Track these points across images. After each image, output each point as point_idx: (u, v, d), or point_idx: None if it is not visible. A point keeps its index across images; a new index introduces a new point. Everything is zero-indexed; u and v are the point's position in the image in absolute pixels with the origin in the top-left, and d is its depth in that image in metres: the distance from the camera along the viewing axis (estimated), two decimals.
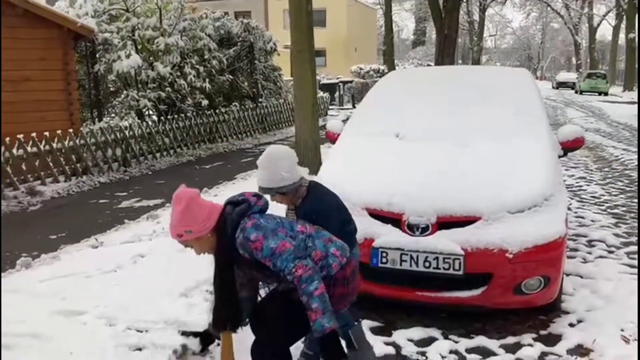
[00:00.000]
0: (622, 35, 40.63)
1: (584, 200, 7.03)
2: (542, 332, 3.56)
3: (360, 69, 32.77)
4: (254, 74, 15.45)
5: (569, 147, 4.49)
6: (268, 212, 2.60)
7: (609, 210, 6.52)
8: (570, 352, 3.32)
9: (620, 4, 38.34)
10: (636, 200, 6.92)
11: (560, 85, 43.13)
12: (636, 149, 11.17)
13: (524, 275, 3.38)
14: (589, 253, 4.99)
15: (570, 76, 44.91)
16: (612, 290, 4.06)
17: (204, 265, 4.49)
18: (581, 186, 7.86)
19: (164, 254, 4.87)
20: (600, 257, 4.90)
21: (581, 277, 4.38)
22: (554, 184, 3.74)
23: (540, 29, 70.50)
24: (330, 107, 21.44)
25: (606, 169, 9.16)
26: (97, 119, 11.56)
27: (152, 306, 3.63)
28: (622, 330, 3.49)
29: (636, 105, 23.09)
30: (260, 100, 15.63)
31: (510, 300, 3.49)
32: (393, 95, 5.10)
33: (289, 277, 2.34)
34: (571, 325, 3.64)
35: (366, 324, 3.63)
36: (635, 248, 5.09)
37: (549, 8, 53.84)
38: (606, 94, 33.38)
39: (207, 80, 12.44)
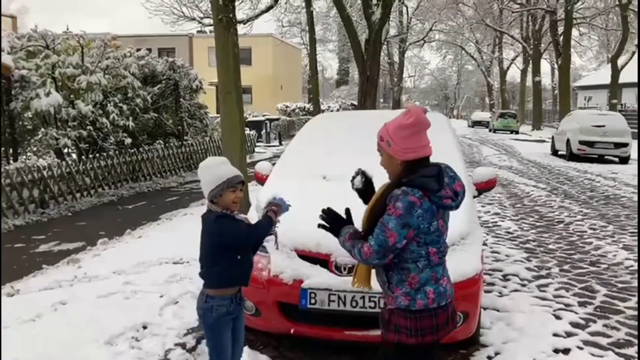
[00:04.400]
0: (529, 78, 43.61)
1: (499, 235, 7.45)
2: None
3: (287, 106, 33.35)
4: (179, 111, 15.36)
5: (482, 188, 4.80)
6: None
7: (521, 245, 6.94)
8: None
9: (527, 49, 41.29)
10: (546, 235, 7.42)
11: (475, 123, 45.59)
12: (545, 186, 11.97)
13: None
14: (504, 287, 5.30)
15: (484, 115, 47.51)
16: (525, 322, 4.34)
17: (129, 312, 4.43)
18: (496, 222, 8.32)
19: (87, 300, 4.75)
20: (515, 290, 5.21)
21: (497, 310, 4.65)
22: (470, 223, 3.98)
23: (456, 70, 74.67)
24: (257, 144, 21.56)
25: (518, 205, 9.74)
26: (12, 158, 11.05)
27: (76, 356, 3.53)
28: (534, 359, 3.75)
29: (544, 144, 24.73)
30: (185, 138, 15.53)
31: None
32: (319, 138, 5.27)
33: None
34: (489, 357, 3.85)
35: None
36: (545, 281, 5.47)
37: (463, 51, 57.09)
38: (517, 132, 35.56)
39: (130, 118, 12.23)
